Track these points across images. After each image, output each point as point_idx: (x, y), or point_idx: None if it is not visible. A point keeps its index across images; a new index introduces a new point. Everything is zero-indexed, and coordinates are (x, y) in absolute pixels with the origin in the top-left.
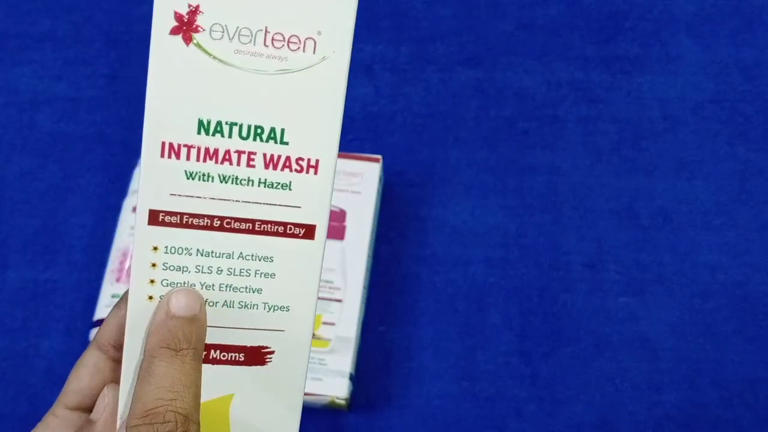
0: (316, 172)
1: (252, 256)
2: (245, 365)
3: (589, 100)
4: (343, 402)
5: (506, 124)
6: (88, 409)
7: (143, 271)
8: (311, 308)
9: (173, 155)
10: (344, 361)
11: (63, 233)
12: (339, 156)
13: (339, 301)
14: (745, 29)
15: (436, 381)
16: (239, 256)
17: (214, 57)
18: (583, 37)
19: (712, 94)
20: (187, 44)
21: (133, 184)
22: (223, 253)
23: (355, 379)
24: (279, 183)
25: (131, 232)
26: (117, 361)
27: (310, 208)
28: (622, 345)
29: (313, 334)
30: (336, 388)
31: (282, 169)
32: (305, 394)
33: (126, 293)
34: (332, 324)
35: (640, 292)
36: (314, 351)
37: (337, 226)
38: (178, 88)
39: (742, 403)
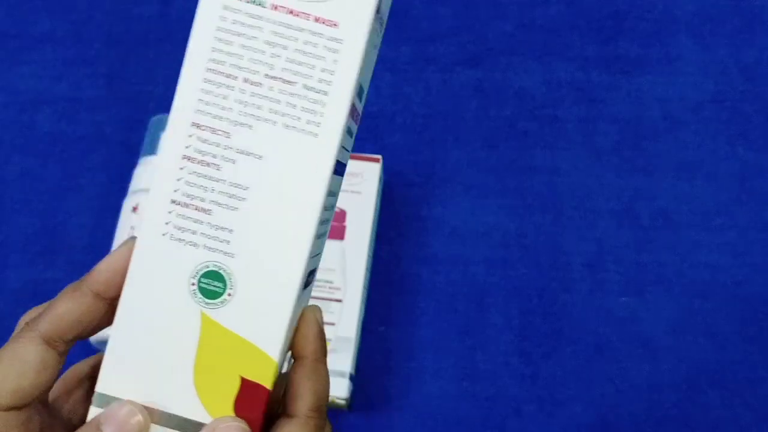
0: None
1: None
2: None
3: (589, 100)
4: (343, 402)
5: (506, 124)
6: (24, 407)
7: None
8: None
9: None
10: (344, 361)
11: (63, 233)
12: None
13: (339, 301)
14: (745, 29)
15: (436, 381)
16: None
17: None
18: (583, 37)
19: (712, 94)
20: None
21: (133, 184)
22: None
23: (355, 379)
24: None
25: (131, 232)
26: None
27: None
28: (622, 345)
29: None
30: (336, 388)
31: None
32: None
33: (71, 285)
34: (332, 324)
35: (640, 292)
36: None
37: (337, 226)
38: None
39: (742, 403)
